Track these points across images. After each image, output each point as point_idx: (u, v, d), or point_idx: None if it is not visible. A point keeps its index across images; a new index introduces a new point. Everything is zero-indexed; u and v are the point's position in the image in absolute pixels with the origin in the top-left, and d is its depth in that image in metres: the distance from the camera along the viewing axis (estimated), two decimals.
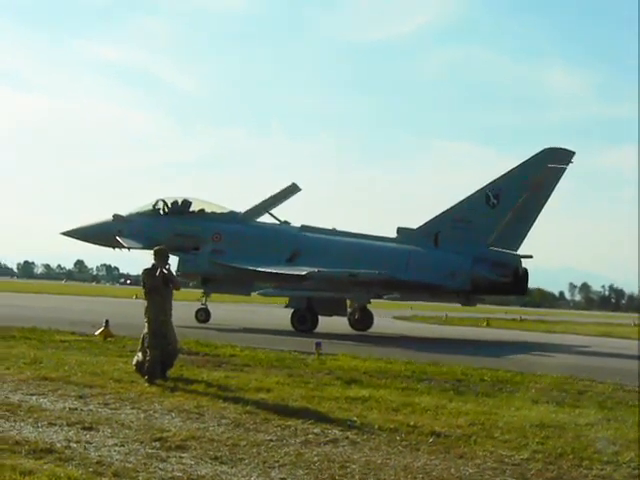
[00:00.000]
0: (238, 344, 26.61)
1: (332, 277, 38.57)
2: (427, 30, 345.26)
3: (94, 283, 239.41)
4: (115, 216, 43.92)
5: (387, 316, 70.65)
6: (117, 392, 15.83)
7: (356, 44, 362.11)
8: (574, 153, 40.52)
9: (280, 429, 13.07)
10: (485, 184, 40.97)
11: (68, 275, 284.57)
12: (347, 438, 12.63)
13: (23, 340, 25.28)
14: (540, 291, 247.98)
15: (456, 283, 39.87)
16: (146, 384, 17.01)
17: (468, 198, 41.19)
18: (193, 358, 22.21)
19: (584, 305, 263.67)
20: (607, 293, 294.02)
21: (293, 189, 44.16)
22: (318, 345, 24.72)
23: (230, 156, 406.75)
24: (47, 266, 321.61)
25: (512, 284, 39.61)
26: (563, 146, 40.73)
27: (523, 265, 40.35)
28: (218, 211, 44.21)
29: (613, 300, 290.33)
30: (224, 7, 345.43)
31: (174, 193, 45.32)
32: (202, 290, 43.35)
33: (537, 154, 40.31)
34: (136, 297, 51.50)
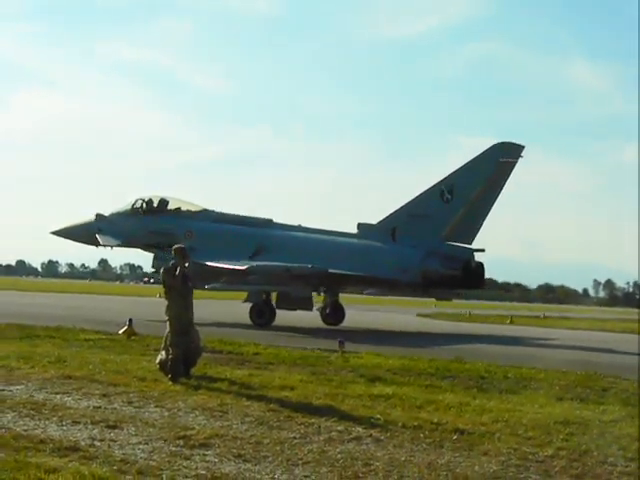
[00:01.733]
0: (261, 342, 26.65)
1: (269, 271, 39.28)
2: (450, 27, 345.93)
3: (118, 282, 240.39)
4: (97, 215, 45.61)
5: (411, 313, 70.68)
6: (141, 390, 15.88)
7: (378, 42, 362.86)
8: (524, 147, 41.72)
9: (303, 427, 13.07)
10: (440, 179, 42.08)
11: (92, 274, 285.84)
12: (370, 436, 12.62)
13: (47, 339, 25.43)
14: (563, 288, 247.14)
15: (407, 277, 40.75)
16: (170, 382, 17.06)
17: (423, 193, 42.33)
18: (216, 356, 22.25)
19: (608, 302, 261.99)
20: (631, 289, 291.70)
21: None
22: (341, 343, 24.71)
23: (254, 156, 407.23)
24: (71, 265, 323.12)
25: (463, 277, 40.31)
26: (515, 141, 41.73)
27: (477, 258, 41.26)
28: (192, 209, 45.51)
29: (638, 296, 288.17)
30: (246, 7, 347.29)
31: (160, 193, 46.81)
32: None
33: (488, 149, 41.37)
34: (159, 296, 51.56)
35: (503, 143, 41.38)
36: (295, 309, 41.23)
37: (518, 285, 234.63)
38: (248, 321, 39.27)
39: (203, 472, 10.07)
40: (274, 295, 41.32)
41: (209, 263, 39.39)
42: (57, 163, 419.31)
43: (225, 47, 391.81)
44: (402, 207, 42.75)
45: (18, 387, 15.73)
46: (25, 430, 11.86)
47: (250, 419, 13.51)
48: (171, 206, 45.50)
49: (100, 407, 14.03)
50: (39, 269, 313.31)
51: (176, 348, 17.98)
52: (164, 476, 9.81)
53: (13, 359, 19.55)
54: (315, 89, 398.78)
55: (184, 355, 18.08)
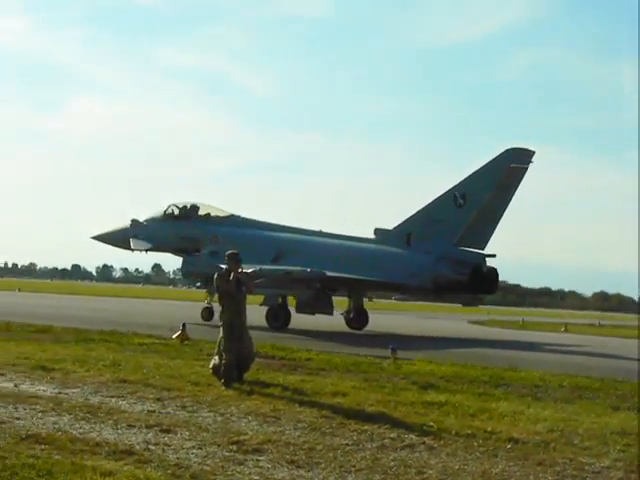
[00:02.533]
0: (313, 348, 26.67)
1: (272, 275, 39.51)
2: (505, 32, 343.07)
3: (171, 286, 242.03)
4: (133, 221, 47.46)
5: (461, 320, 70.31)
6: (194, 395, 15.96)
7: (432, 47, 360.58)
8: (534, 153, 41.76)
9: (356, 433, 13.04)
10: (453, 185, 42.41)
11: (145, 279, 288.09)
12: (424, 443, 12.55)
13: (102, 343, 25.71)
14: (619, 296, 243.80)
15: (417, 281, 41.11)
16: (223, 387, 17.13)
17: (437, 199, 42.80)
18: (269, 362, 22.31)
19: None
20: None
21: None
22: (393, 350, 24.64)
23: (305, 160, 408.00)
24: (125, 270, 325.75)
25: (471, 282, 40.44)
26: (526, 146, 41.98)
27: (490, 264, 41.50)
28: (220, 215, 46.87)
29: None
30: (297, 12, 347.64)
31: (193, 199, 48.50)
32: (205, 290, 44.13)
33: (500, 154, 41.51)
34: (208, 301, 51.88)
35: (514, 149, 41.66)
36: (314, 313, 41.89)
37: (573, 292, 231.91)
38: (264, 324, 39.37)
39: (256, 478, 10.10)
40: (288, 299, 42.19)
41: (223, 266, 39.47)
42: (111, 168, 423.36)
43: (276, 51, 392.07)
44: (417, 212, 43.44)
45: (74, 390, 15.92)
46: (81, 433, 11.98)
47: (303, 425, 13.51)
48: (201, 212, 46.99)
49: (154, 411, 14.13)
50: (94, 273, 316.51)
51: (229, 353, 18.05)
52: None
53: (69, 362, 19.79)
54: (366, 93, 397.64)
55: (237, 360, 18.13)
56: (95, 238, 50.13)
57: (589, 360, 31.75)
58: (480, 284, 40.73)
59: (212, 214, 47.02)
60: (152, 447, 11.35)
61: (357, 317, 44.85)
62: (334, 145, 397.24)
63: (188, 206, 47.45)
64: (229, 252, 19.40)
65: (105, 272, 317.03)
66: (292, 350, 25.63)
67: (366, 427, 13.48)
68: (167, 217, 47.25)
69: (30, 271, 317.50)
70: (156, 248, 47.55)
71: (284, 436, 12.53)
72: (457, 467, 11.15)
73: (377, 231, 44.48)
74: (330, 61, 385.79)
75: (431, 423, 14.03)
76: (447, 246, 41.15)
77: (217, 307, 42.25)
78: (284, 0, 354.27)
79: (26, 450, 10.60)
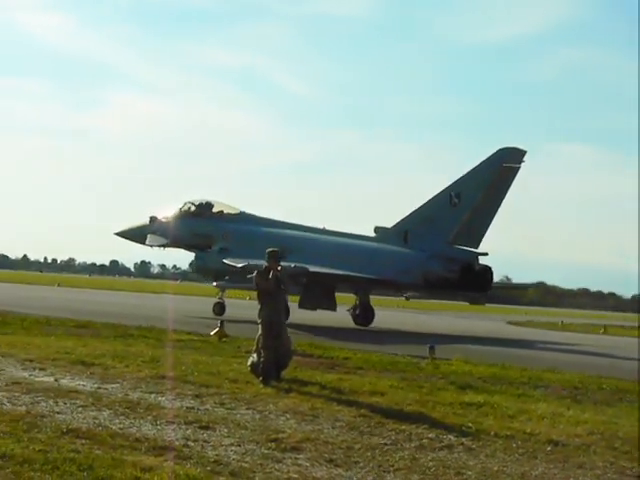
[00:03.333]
0: (352, 347, 26.65)
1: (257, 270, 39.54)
2: (542, 31, 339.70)
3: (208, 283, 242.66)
4: (151, 218, 49.18)
5: (499, 321, 69.97)
6: (233, 392, 16.00)
7: (469, 46, 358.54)
8: (525, 152, 42.87)
9: (394, 433, 13.02)
10: (449, 184, 43.38)
11: (183, 275, 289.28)
12: (462, 444, 12.50)
13: (141, 339, 25.89)
14: None
15: (409, 278, 42.20)
16: (261, 385, 17.15)
17: (434, 198, 43.81)
18: (307, 360, 22.31)
19: None
20: None
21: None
22: (432, 349, 24.56)
23: (340, 158, 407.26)
24: (163, 266, 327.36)
25: (461, 279, 41.23)
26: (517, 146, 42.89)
27: (483, 262, 42.42)
28: (232, 212, 48.31)
29: None
30: (335, 11, 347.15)
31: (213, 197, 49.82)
32: (215, 285, 45.42)
33: (493, 154, 42.42)
34: (249, 298, 52.18)
35: (506, 148, 42.65)
36: (315, 309, 43.34)
37: (612, 294, 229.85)
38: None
39: (295, 476, 10.11)
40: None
41: (225, 261, 41.70)
42: (151, 164, 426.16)
43: (316, 50, 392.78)
44: (414, 211, 44.51)
45: (113, 386, 16.03)
46: (121, 428, 12.06)
47: (341, 424, 13.50)
48: (215, 209, 48.47)
49: (193, 408, 14.19)
50: (132, 269, 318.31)
51: (268, 351, 18.07)
52: (257, 478, 9.87)
53: (108, 358, 19.93)
54: (405, 92, 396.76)
55: (275, 358, 18.16)
56: (117, 234, 51.49)
57: (628, 363, 31.43)
58: (471, 282, 41.62)
59: (225, 211, 48.44)
60: (191, 443, 11.40)
61: (363, 313, 45.72)
62: (371, 144, 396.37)
63: (203, 203, 48.86)
64: (269, 249, 19.38)
65: (143, 268, 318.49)
66: (330, 348, 25.65)
67: (404, 427, 13.44)
68: (182, 214, 48.70)
69: (69, 266, 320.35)
70: (171, 244, 48.90)
71: (322, 435, 12.53)
72: (496, 469, 11.09)
73: (377, 229, 45.77)
74: (370, 60, 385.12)
75: (469, 424, 13.98)
76: (441, 244, 42.04)
77: (228, 302, 44.75)
78: (327, 0, 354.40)
79: (67, 444, 10.68)
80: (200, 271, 49.03)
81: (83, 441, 10.98)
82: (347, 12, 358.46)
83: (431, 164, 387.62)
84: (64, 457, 9.98)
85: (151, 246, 49.34)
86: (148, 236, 48.69)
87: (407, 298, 75.12)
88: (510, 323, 66.95)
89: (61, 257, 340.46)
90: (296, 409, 14.56)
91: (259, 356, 18.20)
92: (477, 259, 42.53)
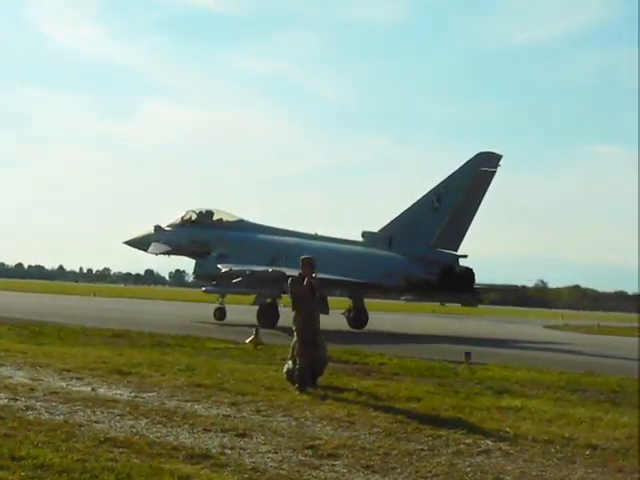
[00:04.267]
0: (387, 352, 26.60)
1: (238, 274, 42.26)
2: (574, 33, 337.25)
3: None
4: (156, 227, 50.74)
5: (537, 324, 69.54)
6: (269, 399, 16.00)
7: (499, 49, 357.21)
8: (501, 156, 44.19)
9: (431, 439, 12.94)
10: (431, 188, 44.73)
11: None
12: (500, 449, 12.40)
13: (177, 347, 26.00)
14: None
15: (391, 281, 43.51)
16: (297, 392, 17.14)
17: (417, 202, 45.21)
18: (342, 366, 22.30)
19: None
20: None
21: None
22: (468, 355, 24.45)
23: (372, 163, 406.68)
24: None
25: (441, 281, 42.64)
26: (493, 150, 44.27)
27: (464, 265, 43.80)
28: (230, 220, 49.95)
29: None
30: (367, 17, 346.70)
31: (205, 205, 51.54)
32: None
33: (471, 159, 43.87)
34: (284, 305, 52.34)
35: (484, 153, 43.91)
36: None
37: None
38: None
39: None
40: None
41: (219, 266, 43.51)
42: (183, 173, 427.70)
43: (350, 56, 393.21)
44: (399, 215, 45.97)
45: (150, 394, 16.08)
46: (158, 437, 12.09)
47: (378, 430, 13.45)
48: (215, 217, 50.05)
49: (229, 415, 14.19)
50: (167, 278, 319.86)
51: (303, 358, 18.06)
52: None
53: (145, 366, 20.01)
54: (439, 96, 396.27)
55: (311, 365, 18.14)
56: (126, 243, 53.13)
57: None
58: (452, 283, 42.59)
59: (224, 219, 50.06)
60: (228, 451, 11.40)
61: (357, 317, 47.00)
62: (404, 148, 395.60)
63: (203, 212, 50.45)
64: (304, 257, 19.36)
65: (178, 277, 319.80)
66: (365, 354, 25.61)
67: (441, 432, 13.37)
68: (184, 222, 50.32)
69: (104, 276, 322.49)
70: (173, 252, 50.56)
71: (359, 441, 12.49)
72: (535, 473, 11.00)
73: (364, 234, 47.17)
74: (401, 64, 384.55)
75: (507, 429, 13.87)
76: (424, 247, 43.35)
77: (229, 307, 46.16)
78: (355, 4, 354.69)
79: (105, 453, 10.72)
80: (199, 277, 50.28)
81: (121, 450, 11.02)
82: (377, 17, 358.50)
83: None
84: (102, 466, 10.01)
85: (155, 254, 50.98)
86: (152, 244, 50.39)
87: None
88: (546, 327, 66.53)
89: (96, 267, 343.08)
90: (332, 416, 14.53)
91: (294, 363, 18.19)
92: (457, 261, 43.81)
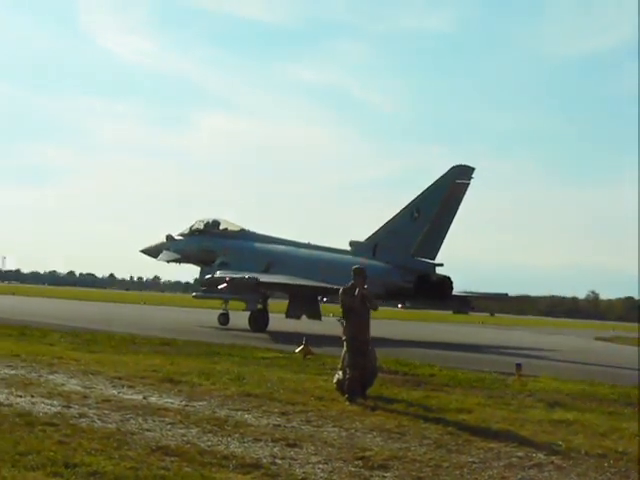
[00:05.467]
0: (437, 364, 26.47)
1: (218, 281, 45.02)
2: (626, 43, 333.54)
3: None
4: (167, 236, 53.64)
5: (588, 336, 68.81)
6: (319, 410, 16.01)
7: (556, 58, 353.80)
8: (474, 169, 45.99)
9: (483, 451, 12.86)
10: (412, 199, 46.81)
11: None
12: (552, 463, 12.27)
13: (226, 356, 26.06)
14: None
15: (372, 289, 42.99)
16: (347, 402, 17.12)
17: (399, 213, 47.23)
18: (392, 377, 22.21)
19: None
20: None
21: None
22: (518, 366, 24.24)
23: (426, 173, 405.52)
24: None
25: (418, 289, 44.51)
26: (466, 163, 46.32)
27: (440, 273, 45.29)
28: (234, 229, 52.81)
29: None
30: (418, 26, 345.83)
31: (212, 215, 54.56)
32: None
33: (448, 171, 45.83)
34: (332, 315, 52.48)
35: (459, 166, 45.84)
36: (299, 317, 48.32)
37: None
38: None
39: None
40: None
41: (207, 275, 47.17)
42: (235, 183, 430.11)
43: (401, 66, 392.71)
44: (383, 225, 47.81)
45: (201, 403, 16.15)
46: (209, 446, 12.13)
47: (428, 442, 13.39)
48: (221, 227, 52.97)
49: (279, 425, 14.21)
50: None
51: (353, 368, 18.01)
52: None
53: (195, 375, 20.11)
54: (492, 107, 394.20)
55: (361, 375, 18.08)
56: (142, 251, 56.10)
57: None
58: (429, 291, 44.40)
59: (229, 229, 52.58)
60: (279, 461, 11.40)
61: None
62: (456, 159, 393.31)
63: (210, 222, 53.11)
64: (355, 267, 19.35)
65: None
66: (415, 365, 25.50)
67: (492, 445, 13.27)
68: (192, 232, 53.09)
69: (155, 284, 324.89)
70: (180, 260, 53.27)
71: (410, 452, 12.44)
72: None
73: (352, 243, 48.94)
74: (453, 74, 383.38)
75: (559, 442, 13.73)
76: (404, 256, 44.95)
77: (233, 313, 47.73)
78: (407, 14, 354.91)
79: (157, 462, 10.79)
80: (204, 284, 51.24)
81: (172, 458, 11.08)
82: (428, 27, 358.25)
83: (517, 179, 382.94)
84: (154, 474, 10.09)
85: (166, 261, 53.76)
86: (163, 252, 53.43)
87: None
88: (597, 339, 65.82)
89: (147, 275, 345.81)
90: (383, 427, 14.49)
91: (344, 373, 18.15)
92: (434, 269, 45.31)
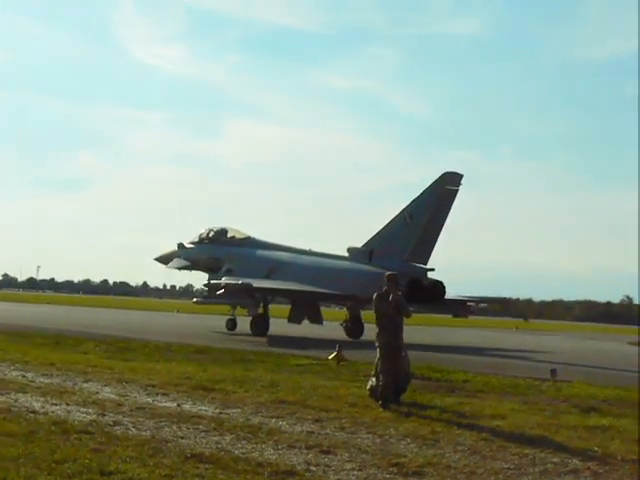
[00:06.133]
0: (470, 369, 26.36)
1: (214, 287, 46.35)
2: None
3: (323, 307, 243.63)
4: (179, 244, 54.84)
5: (621, 341, 68.23)
6: (352, 416, 15.99)
7: (583, 61, 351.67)
8: (462, 176, 46.96)
9: (518, 457, 12.78)
10: (405, 205, 47.41)
11: None
12: (588, 469, 12.18)
13: (259, 363, 26.13)
14: None
15: (367, 294, 44.43)
16: (380, 409, 17.08)
17: (393, 219, 47.79)
18: (425, 383, 22.16)
19: None
20: None
21: None
22: (553, 372, 24.10)
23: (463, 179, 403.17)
24: None
25: (409, 293, 42.18)
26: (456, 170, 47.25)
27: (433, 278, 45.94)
28: (240, 237, 53.91)
29: None
30: (444, 31, 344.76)
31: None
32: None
33: (438, 177, 46.56)
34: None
35: (449, 172, 46.70)
36: (301, 322, 49.17)
37: None
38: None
39: None
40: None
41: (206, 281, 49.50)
42: (266, 190, 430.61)
43: (430, 71, 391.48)
44: (378, 231, 48.41)
45: (234, 410, 16.19)
46: (243, 453, 12.16)
47: (462, 448, 13.33)
48: (229, 235, 54.04)
49: (313, 432, 14.21)
50: None
51: (387, 375, 17.99)
52: None
53: (228, 383, 20.17)
54: (521, 110, 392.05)
55: (394, 382, 18.05)
56: (155, 259, 57.60)
57: None
58: (421, 295, 43.51)
59: (236, 237, 53.82)
60: (313, 468, 11.41)
61: (353, 327, 49.02)
62: (490, 163, 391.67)
63: (218, 230, 54.26)
64: (388, 273, 19.34)
65: None
66: (449, 371, 25.41)
67: (527, 451, 13.20)
68: (202, 240, 54.36)
69: (187, 292, 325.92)
70: (190, 267, 54.75)
71: (444, 459, 12.39)
72: None
73: (349, 249, 49.61)
74: (483, 79, 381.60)
75: (595, 448, 13.62)
76: (398, 261, 44.86)
77: (240, 319, 48.78)
78: (435, 20, 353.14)
79: (192, 469, 10.83)
80: (211, 290, 52.24)
81: (207, 466, 11.11)
82: (456, 31, 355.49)
83: (552, 182, 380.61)
84: None
85: (178, 269, 55.17)
86: (174, 259, 54.77)
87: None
88: (630, 343, 65.26)
89: (180, 284, 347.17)
90: (416, 433, 14.44)
91: (378, 380, 18.13)
92: (426, 274, 45.94)
